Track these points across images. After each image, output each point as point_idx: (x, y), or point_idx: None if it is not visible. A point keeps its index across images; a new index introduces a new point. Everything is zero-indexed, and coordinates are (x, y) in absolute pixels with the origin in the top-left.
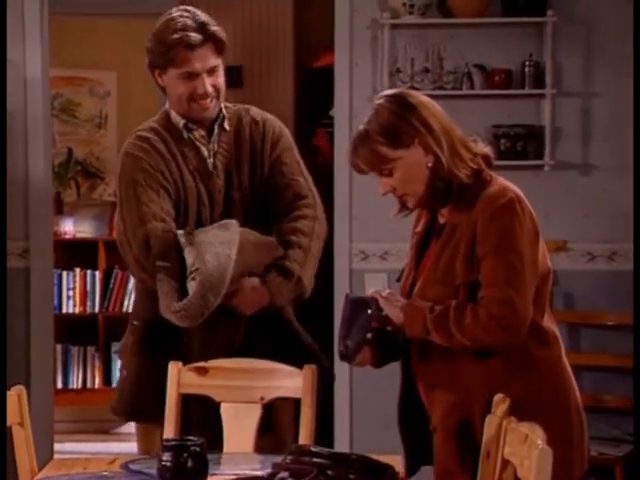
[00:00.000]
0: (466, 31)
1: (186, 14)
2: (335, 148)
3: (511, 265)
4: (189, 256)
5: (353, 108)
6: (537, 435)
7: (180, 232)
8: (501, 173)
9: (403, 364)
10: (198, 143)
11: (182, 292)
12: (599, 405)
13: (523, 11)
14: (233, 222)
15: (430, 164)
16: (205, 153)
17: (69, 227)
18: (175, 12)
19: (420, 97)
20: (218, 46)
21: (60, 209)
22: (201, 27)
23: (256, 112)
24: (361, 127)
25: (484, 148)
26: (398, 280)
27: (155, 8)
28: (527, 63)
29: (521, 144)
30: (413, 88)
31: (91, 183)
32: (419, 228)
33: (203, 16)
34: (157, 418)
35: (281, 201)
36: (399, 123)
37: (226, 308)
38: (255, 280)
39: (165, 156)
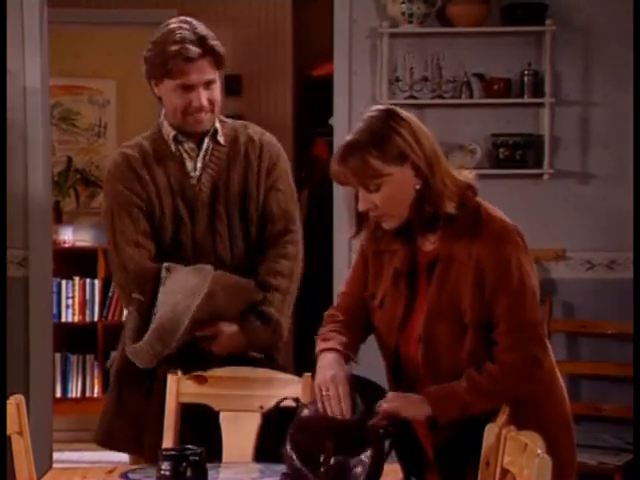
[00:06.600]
0: (465, 40)
1: (185, 26)
2: None
3: (527, 307)
4: (160, 295)
5: (352, 117)
6: (537, 444)
7: (164, 265)
8: (500, 182)
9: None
10: (185, 156)
11: (147, 329)
12: (599, 414)
13: (522, 20)
14: (207, 268)
15: (418, 186)
16: (190, 166)
17: (68, 236)
18: (175, 23)
19: (411, 116)
20: (216, 60)
21: (59, 218)
22: (200, 40)
23: (254, 130)
24: (350, 137)
25: (468, 176)
26: (380, 306)
27: (155, 17)
28: (526, 72)
29: (520, 153)
30: (412, 97)
31: (90, 192)
32: (399, 262)
33: (203, 29)
34: (131, 448)
35: (272, 230)
36: (391, 135)
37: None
38: (233, 327)
39: (141, 175)
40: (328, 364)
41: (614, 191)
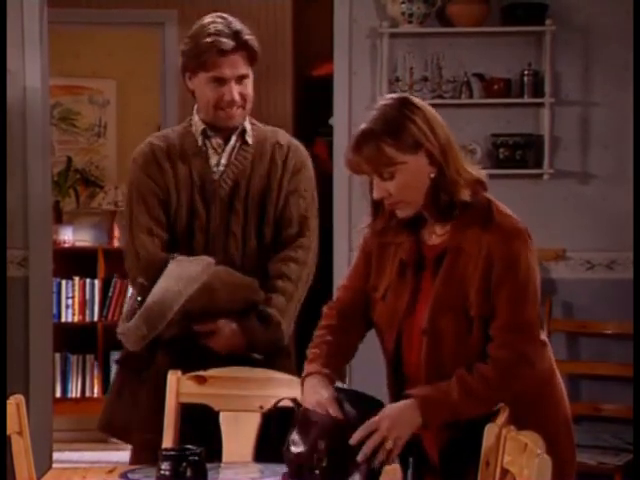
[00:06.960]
0: (465, 40)
1: (220, 20)
2: (334, 157)
3: (527, 304)
4: (159, 280)
5: (352, 117)
6: (537, 444)
7: (172, 255)
8: (500, 182)
9: (393, 395)
10: (211, 151)
11: None
12: (599, 414)
13: (522, 20)
14: (209, 260)
15: (433, 175)
16: (214, 162)
17: (68, 236)
18: (209, 18)
19: (425, 104)
20: (250, 55)
21: (59, 218)
22: (234, 34)
23: (283, 136)
24: (364, 125)
25: (479, 171)
26: (382, 299)
27: (155, 17)
28: (526, 72)
29: (520, 153)
30: None
31: (90, 192)
32: (405, 254)
33: (237, 24)
34: (128, 436)
35: (286, 233)
36: (406, 123)
37: (201, 344)
38: (233, 324)
39: (163, 165)
40: (311, 389)
41: (614, 191)
